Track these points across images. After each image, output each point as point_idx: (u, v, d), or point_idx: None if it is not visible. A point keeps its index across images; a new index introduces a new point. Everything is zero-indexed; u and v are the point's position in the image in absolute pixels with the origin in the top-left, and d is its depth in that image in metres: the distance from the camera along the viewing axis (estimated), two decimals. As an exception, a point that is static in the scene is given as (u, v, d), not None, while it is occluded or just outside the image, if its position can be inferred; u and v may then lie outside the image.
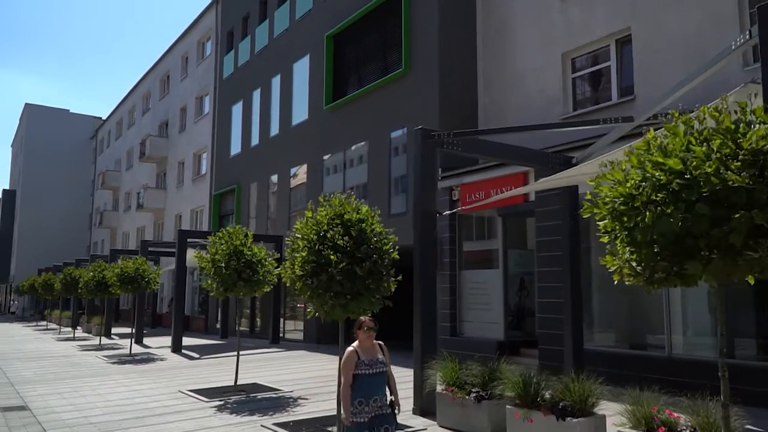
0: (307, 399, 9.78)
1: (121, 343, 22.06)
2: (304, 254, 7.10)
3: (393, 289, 7.44)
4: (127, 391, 10.96)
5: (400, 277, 7.56)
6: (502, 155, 9.62)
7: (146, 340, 21.76)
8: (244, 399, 9.93)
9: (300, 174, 21.07)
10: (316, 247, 7.14)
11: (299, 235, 7.42)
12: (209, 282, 10.67)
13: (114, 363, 15.59)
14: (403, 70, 15.95)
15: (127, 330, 28.91)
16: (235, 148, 26.21)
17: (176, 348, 18.02)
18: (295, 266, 7.33)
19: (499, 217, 13.28)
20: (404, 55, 15.94)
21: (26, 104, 58.14)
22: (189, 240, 19.26)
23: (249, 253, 10.55)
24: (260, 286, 10.63)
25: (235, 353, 17.58)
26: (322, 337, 19.03)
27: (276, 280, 10.82)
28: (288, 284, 7.44)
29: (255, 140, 24.39)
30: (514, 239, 13.65)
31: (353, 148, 18.09)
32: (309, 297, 7.24)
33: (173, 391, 10.82)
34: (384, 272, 7.28)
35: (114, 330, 26.72)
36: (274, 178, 22.72)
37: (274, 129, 22.92)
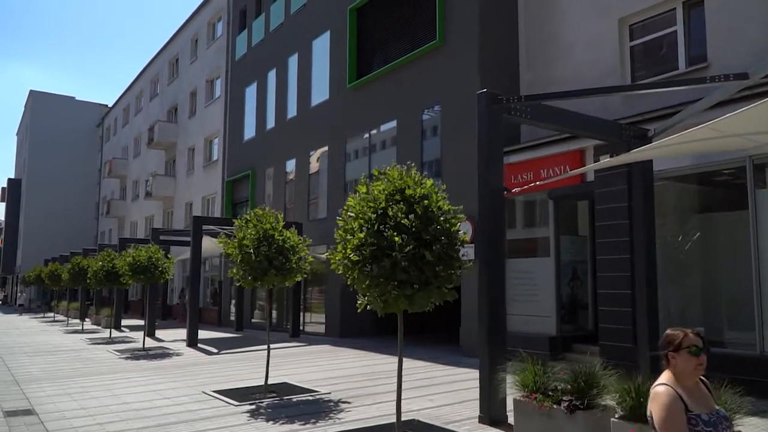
0: (349, 403, 8.64)
1: (132, 336, 21.01)
2: (361, 236, 5.93)
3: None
4: (144, 392, 9.85)
5: (470, 264, 6.39)
6: (574, 126, 8.41)
7: (158, 333, 20.72)
8: (278, 402, 8.81)
9: (320, 157, 19.89)
10: (375, 227, 5.98)
11: (353, 214, 6.27)
12: (235, 270, 9.53)
13: (127, 358, 14.52)
14: (437, 42, 14.71)
15: (137, 322, 27.95)
16: (249, 132, 25.03)
17: (192, 342, 16.94)
18: (348, 250, 6.18)
19: (550, 200, 12.06)
20: (438, 25, 14.68)
21: (31, 91, 57.04)
22: (204, 228, 18.13)
23: (280, 238, 9.40)
24: (293, 275, 9.48)
25: (256, 348, 16.70)
26: (346, 331, 17.93)
27: (309, 268, 9.67)
28: (340, 272, 6.27)
29: (270, 123, 23.21)
30: (565, 224, 12.47)
31: (383, 128, 16.87)
32: (366, 287, 6.07)
33: (196, 392, 9.71)
34: (455, 257, 6.12)
35: (123, 322, 25.66)
36: (292, 162, 21.55)
37: (292, 111, 21.72)
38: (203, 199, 29.55)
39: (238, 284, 9.72)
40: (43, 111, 56.24)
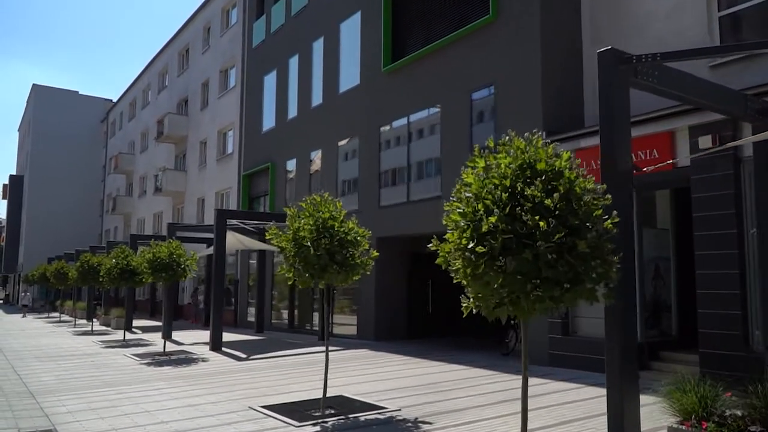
0: (430, 423, 7.31)
1: (146, 338, 19.68)
2: (492, 220, 4.60)
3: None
4: (181, 407, 8.52)
5: (616, 258, 5.09)
6: (698, 94, 7.07)
7: (173, 335, 19.38)
8: (345, 421, 7.49)
9: (349, 147, 18.55)
10: (507, 210, 4.66)
11: (471, 194, 4.96)
12: (287, 267, 8.20)
13: (149, 364, 13.18)
14: (490, 17, 13.37)
15: (146, 322, 26.64)
16: (268, 122, 23.68)
17: (216, 346, 15.61)
18: (463, 240, 4.87)
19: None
20: (492, -1, 13.35)
21: (34, 85, 55.63)
22: (228, 222, 16.82)
23: (342, 228, 8.07)
24: (356, 272, 8.15)
25: (287, 352, 15.22)
26: (381, 334, 16.59)
27: (373, 262, 8.34)
28: (456, 267, 4.95)
29: (293, 112, 21.86)
30: (646, 216, 11.13)
31: (424, 115, 15.52)
32: (497, 287, 4.73)
33: (242, 408, 8.38)
34: (608, 249, 4.80)
35: (133, 323, 24.33)
36: (316, 153, 20.21)
37: (317, 98, 20.37)
38: (217, 194, 28.21)
39: (289, 283, 8.38)
40: (46, 105, 54.79)
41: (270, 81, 23.84)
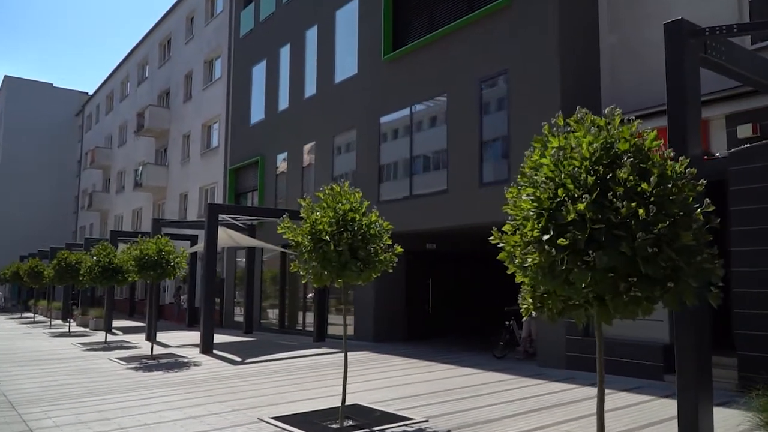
0: (466, 436, 6.61)
1: (128, 339, 18.68)
2: (581, 207, 3.90)
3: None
4: (182, 419, 7.69)
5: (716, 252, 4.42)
6: (764, 75, 6.47)
7: (157, 336, 18.41)
8: (370, 436, 6.75)
9: (346, 140, 17.78)
10: (594, 195, 3.97)
11: (544, 177, 4.28)
12: (301, 265, 7.43)
13: (137, 369, 12.28)
14: (504, 1, 12.71)
15: (125, 323, 25.55)
16: (257, 114, 22.77)
17: (206, 348, 14.72)
18: (535, 232, 4.19)
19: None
20: (504, -18, 12.69)
21: (6, 77, 53.55)
22: (220, 217, 15.92)
23: (365, 221, 7.32)
24: (378, 269, 7.40)
25: (284, 355, 14.20)
26: (381, 335, 15.86)
27: (396, 259, 7.59)
28: (531, 262, 4.25)
29: (284, 104, 21.00)
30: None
31: (428, 105, 14.81)
32: (575, 286, 4.04)
33: (250, 419, 7.58)
34: (708, 242, 4.13)
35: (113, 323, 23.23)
36: (309, 147, 19.39)
37: (310, 89, 19.54)
38: (201, 190, 27.18)
39: (304, 282, 7.61)
40: (18, 98, 52.75)
41: (259, 72, 22.92)
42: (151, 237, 14.48)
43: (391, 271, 7.62)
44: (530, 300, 4.77)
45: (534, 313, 4.62)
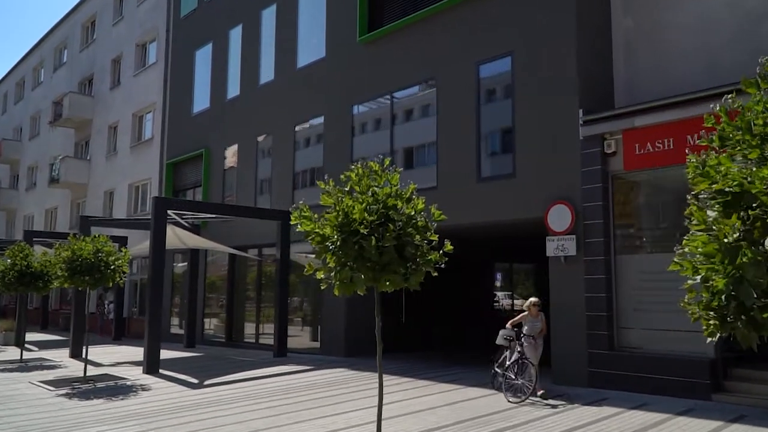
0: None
1: (48, 356, 15.96)
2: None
3: None
4: (157, 473, 5.71)
5: None
6: None
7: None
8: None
9: (311, 132, 15.98)
10: None
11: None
12: (312, 266, 5.71)
13: (70, 396, 9.95)
14: (508, -23, 11.43)
15: (40, 336, 22.41)
16: (201, 103, 20.49)
17: (152, 367, 12.46)
18: (726, 228, 2.77)
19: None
20: (509, -45, 11.41)
21: None
22: (170, 213, 13.71)
23: (410, 210, 5.67)
24: (422, 272, 5.76)
25: (245, 374, 11.96)
26: (352, 349, 14.13)
27: (446, 259, 5.94)
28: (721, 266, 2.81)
29: (234, 91, 18.89)
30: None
31: (415, 91, 13.28)
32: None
33: (253, 471, 5.72)
34: None
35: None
36: (264, 138, 17.41)
37: (267, 75, 17.59)
38: (130, 187, 24.36)
39: (323, 287, 5.86)
40: None
41: (203, 56, 20.66)
42: (99, 234, 12.09)
43: (435, 274, 5.97)
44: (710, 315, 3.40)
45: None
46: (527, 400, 8.67)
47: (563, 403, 8.64)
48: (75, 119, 28.47)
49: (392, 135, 13.62)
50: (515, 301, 21.51)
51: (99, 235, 11.93)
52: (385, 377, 11.20)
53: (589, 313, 9.74)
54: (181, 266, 20.54)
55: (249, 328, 17.66)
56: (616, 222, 9.87)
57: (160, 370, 12.52)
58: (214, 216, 16.05)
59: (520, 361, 8.97)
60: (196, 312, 18.38)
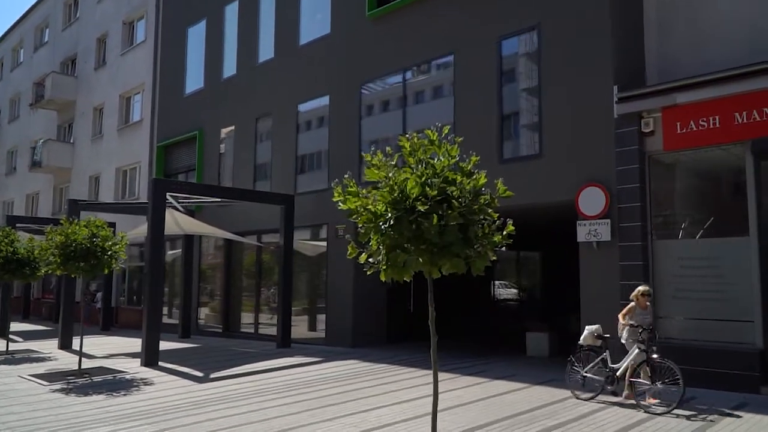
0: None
1: (35, 348, 15.13)
2: None
3: None
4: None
5: None
6: None
7: (73, 343, 15.04)
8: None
9: (315, 113, 15.22)
10: None
11: None
12: (354, 247, 5.06)
13: (66, 392, 9.19)
14: (535, -54, 10.76)
15: (23, 326, 21.49)
16: (195, 83, 19.57)
17: (151, 360, 11.70)
18: None
19: (750, 155, 8.46)
20: None
21: None
22: (169, 196, 12.92)
23: (470, 185, 5.02)
24: (485, 258, 5.11)
25: (250, 367, 10.93)
26: (360, 338, 13.50)
27: (511, 241, 5.26)
28: None
29: (230, 70, 18.02)
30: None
31: (426, 69, 12.58)
32: None
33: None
34: None
35: None
36: (264, 119, 16.60)
37: (266, 53, 16.75)
38: (118, 171, 23.36)
39: (369, 272, 5.18)
40: None
41: (197, 33, 19.72)
42: (95, 218, 11.25)
43: (494, 257, 5.31)
44: None
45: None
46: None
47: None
48: (57, 101, 27.28)
49: (404, 116, 12.93)
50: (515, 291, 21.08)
51: (94, 219, 11.10)
52: (402, 369, 10.63)
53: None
54: (171, 254, 19.71)
55: (247, 318, 16.94)
56: (653, 205, 9.32)
57: (160, 363, 11.78)
58: (218, 200, 15.22)
59: (653, 363, 7.35)
60: (191, 301, 17.60)
